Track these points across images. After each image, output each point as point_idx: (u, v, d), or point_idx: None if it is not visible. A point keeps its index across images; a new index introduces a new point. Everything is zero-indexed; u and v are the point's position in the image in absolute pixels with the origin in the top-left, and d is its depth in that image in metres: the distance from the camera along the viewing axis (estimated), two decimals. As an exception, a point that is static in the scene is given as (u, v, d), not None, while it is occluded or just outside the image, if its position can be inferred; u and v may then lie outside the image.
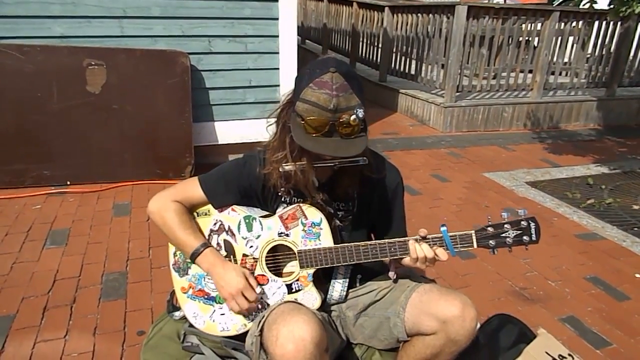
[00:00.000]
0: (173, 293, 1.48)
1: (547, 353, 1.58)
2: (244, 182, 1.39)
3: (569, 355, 1.60)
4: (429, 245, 1.29)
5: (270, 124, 1.37)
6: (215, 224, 1.41)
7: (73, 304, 2.05)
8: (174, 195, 1.40)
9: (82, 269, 2.31)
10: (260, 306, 1.36)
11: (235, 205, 1.40)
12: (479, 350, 1.53)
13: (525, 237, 1.28)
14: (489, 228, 1.29)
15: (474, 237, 1.29)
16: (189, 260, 1.41)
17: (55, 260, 2.36)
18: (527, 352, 1.59)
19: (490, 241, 1.28)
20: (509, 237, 1.28)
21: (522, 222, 1.28)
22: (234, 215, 1.39)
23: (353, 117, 1.17)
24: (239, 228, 1.38)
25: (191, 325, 1.43)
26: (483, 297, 2.25)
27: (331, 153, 1.20)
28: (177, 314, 1.50)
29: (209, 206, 1.41)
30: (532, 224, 1.28)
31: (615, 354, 1.94)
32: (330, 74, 1.17)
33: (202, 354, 1.42)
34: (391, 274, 1.40)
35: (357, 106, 1.18)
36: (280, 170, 1.31)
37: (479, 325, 1.58)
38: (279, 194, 1.39)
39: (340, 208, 1.41)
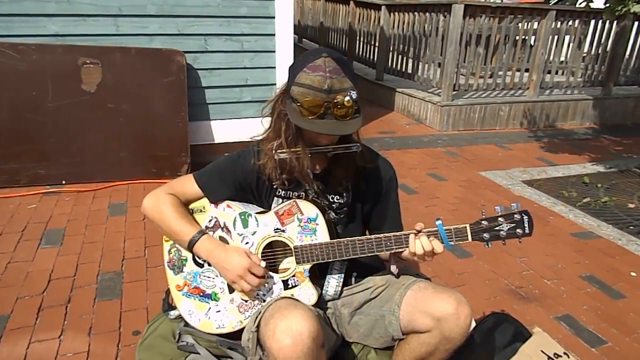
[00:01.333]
0: (168, 291, 1.48)
1: (542, 352, 1.58)
2: (239, 175, 1.40)
3: (565, 353, 1.60)
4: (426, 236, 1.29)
5: (266, 116, 1.38)
6: (210, 220, 1.40)
7: (68, 304, 2.04)
8: (168, 189, 1.41)
9: (77, 268, 2.30)
10: (257, 302, 1.36)
11: (230, 202, 1.40)
12: (475, 348, 1.53)
13: (518, 230, 1.28)
14: (483, 222, 1.29)
15: (468, 231, 1.29)
16: (184, 257, 1.40)
17: (50, 259, 2.35)
18: (523, 351, 1.60)
19: (485, 234, 1.29)
20: (502, 230, 1.29)
21: (516, 215, 1.29)
22: (229, 212, 1.39)
23: (347, 98, 1.20)
24: (234, 224, 1.38)
25: (186, 325, 1.43)
26: (479, 296, 2.25)
27: (327, 132, 1.23)
28: (173, 313, 1.50)
29: (204, 203, 1.41)
30: (525, 217, 1.28)
31: (610, 352, 1.95)
32: (322, 59, 1.21)
33: (198, 353, 1.41)
34: (393, 268, 1.40)
35: (350, 88, 1.22)
36: (276, 157, 1.31)
37: (474, 324, 1.59)
38: (274, 186, 1.39)
39: (334, 200, 1.42)
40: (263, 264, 1.32)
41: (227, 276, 1.33)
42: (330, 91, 1.19)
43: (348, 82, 1.22)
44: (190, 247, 1.35)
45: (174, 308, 1.47)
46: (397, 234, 1.31)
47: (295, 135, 1.29)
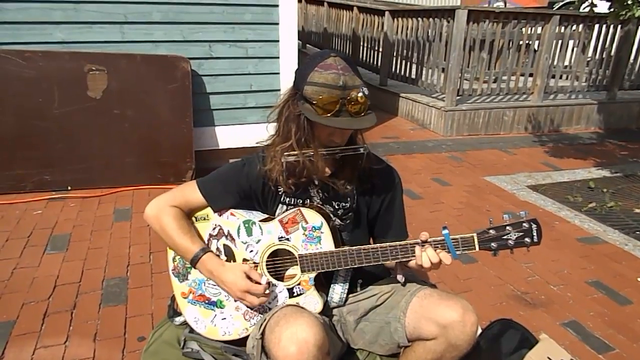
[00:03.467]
0: (174, 298, 1.48)
1: (549, 358, 1.57)
2: (244, 183, 1.39)
3: (571, 360, 1.59)
4: (432, 248, 1.28)
5: (272, 121, 1.37)
6: (214, 228, 1.40)
7: (73, 310, 2.05)
8: (171, 199, 1.40)
9: (82, 274, 2.31)
10: (261, 310, 1.36)
11: (234, 209, 1.40)
12: (480, 355, 1.52)
13: (527, 239, 1.27)
14: (490, 230, 1.28)
15: (475, 240, 1.28)
16: (189, 266, 1.40)
17: (55, 265, 2.36)
18: (529, 358, 1.58)
19: (492, 243, 1.28)
20: (510, 239, 1.27)
21: (524, 224, 1.27)
22: (233, 220, 1.39)
23: (360, 94, 1.23)
24: (238, 232, 1.38)
25: (191, 331, 1.43)
26: (485, 302, 2.24)
27: (345, 126, 1.25)
28: (178, 319, 1.50)
29: (208, 211, 1.41)
30: (534, 226, 1.27)
31: (618, 359, 1.93)
32: (332, 58, 1.25)
33: (202, 359, 1.41)
34: (400, 277, 1.39)
35: (361, 85, 1.25)
36: (283, 160, 1.31)
37: (480, 330, 1.58)
38: (279, 192, 1.39)
39: (340, 206, 1.41)
40: (264, 279, 1.31)
41: (230, 295, 1.36)
42: (345, 87, 1.21)
43: (358, 79, 1.25)
44: (192, 264, 1.36)
45: (179, 314, 1.47)
46: (403, 243, 1.30)
47: (306, 139, 1.29)
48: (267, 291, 1.30)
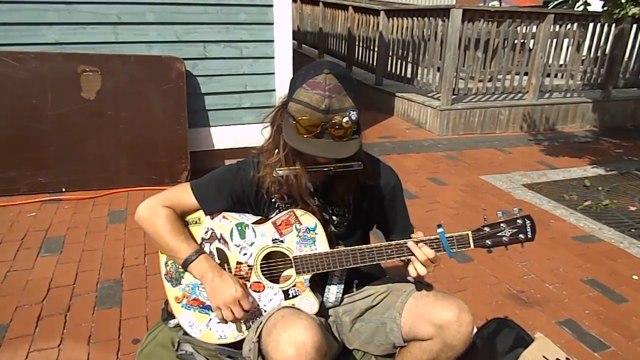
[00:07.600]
0: (168, 300, 1.47)
1: (544, 357, 1.57)
2: (237, 188, 1.37)
3: (567, 358, 1.59)
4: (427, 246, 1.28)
5: (266, 127, 1.36)
6: (206, 232, 1.38)
7: (67, 313, 2.04)
8: (164, 200, 1.38)
9: (76, 276, 2.29)
10: (257, 313, 1.35)
11: (226, 212, 1.38)
12: (476, 354, 1.51)
13: (521, 235, 1.28)
14: (485, 228, 1.28)
15: (470, 238, 1.28)
16: (182, 270, 1.39)
17: (49, 268, 2.34)
18: (525, 357, 1.59)
19: (487, 240, 1.28)
20: (505, 235, 1.28)
21: (518, 220, 1.27)
22: (225, 223, 1.37)
23: (345, 119, 1.16)
24: (231, 235, 1.36)
25: (185, 333, 1.42)
26: (480, 301, 2.24)
27: (322, 154, 1.19)
28: (172, 321, 1.49)
29: (200, 214, 1.39)
30: (528, 222, 1.27)
31: (613, 357, 1.93)
32: (323, 75, 1.17)
33: (197, 362, 1.40)
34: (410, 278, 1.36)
35: (350, 108, 1.17)
36: (274, 175, 1.29)
37: (475, 330, 1.58)
38: (272, 199, 1.38)
39: (335, 214, 1.40)
40: (252, 298, 1.31)
41: (215, 300, 1.29)
42: (328, 111, 1.15)
43: (349, 101, 1.18)
44: (185, 265, 1.33)
45: (174, 317, 1.46)
46: (398, 242, 1.29)
47: (294, 153, 1.25)
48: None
